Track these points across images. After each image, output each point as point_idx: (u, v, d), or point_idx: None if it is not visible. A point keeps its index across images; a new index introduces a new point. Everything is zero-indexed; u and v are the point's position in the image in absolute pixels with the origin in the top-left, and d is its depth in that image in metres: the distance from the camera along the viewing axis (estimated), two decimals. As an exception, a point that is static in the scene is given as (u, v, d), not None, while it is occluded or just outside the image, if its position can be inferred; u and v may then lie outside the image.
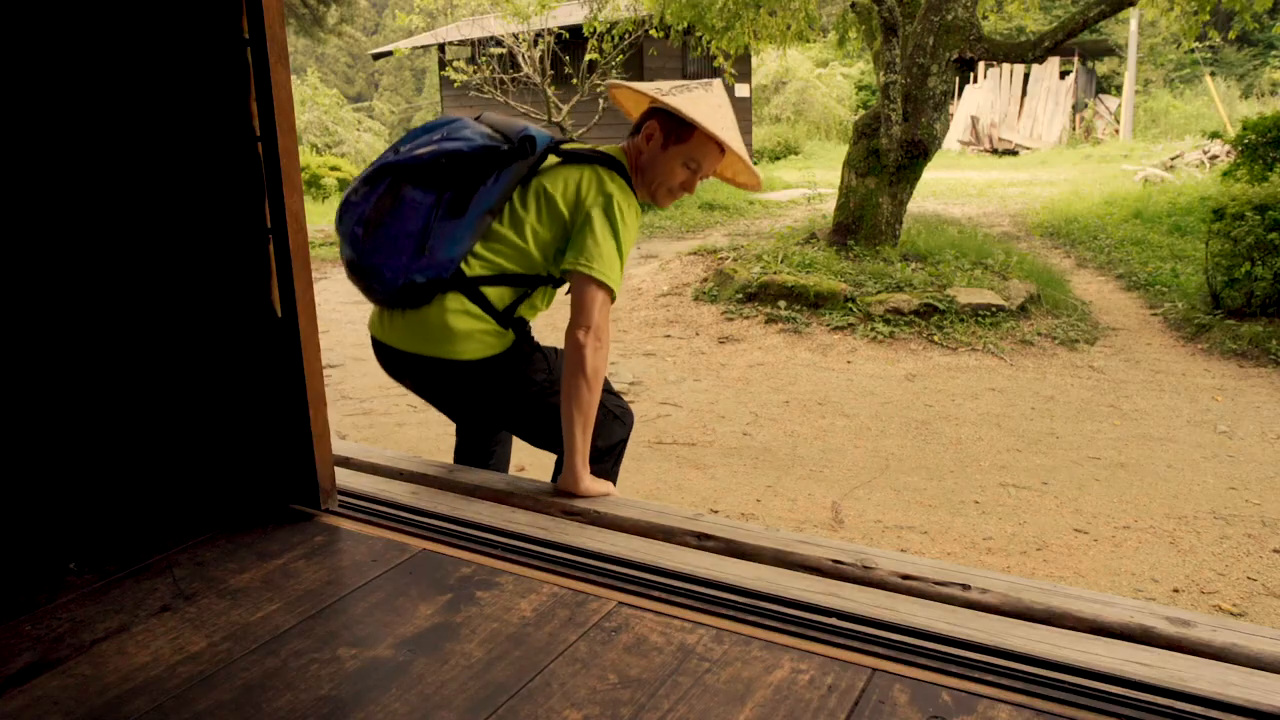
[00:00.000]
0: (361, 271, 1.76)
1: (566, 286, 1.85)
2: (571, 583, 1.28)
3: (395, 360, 1.87)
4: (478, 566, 1.34)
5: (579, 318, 1.75)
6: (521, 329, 1.90)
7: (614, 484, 2.09)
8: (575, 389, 1.74)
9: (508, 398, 1.92)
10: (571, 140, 1.96)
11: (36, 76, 1.54)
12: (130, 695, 1.05)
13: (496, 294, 1.83)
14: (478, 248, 1.82)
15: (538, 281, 1.87)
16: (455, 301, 1.80)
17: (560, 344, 1.91)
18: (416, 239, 1.74)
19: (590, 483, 1.80)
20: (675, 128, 1.85)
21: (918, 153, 6.85)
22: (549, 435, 2.00)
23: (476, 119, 1.89)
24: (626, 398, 3.92)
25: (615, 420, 2.01)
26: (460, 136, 1.79)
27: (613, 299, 1.78)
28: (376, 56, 18.55)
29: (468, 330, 1.81)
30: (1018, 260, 6.74)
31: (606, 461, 2.03)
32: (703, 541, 1.63)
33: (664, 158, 1.87)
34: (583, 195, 1.81)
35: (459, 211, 1.76)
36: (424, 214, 1.74)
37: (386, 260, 1.73)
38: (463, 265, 1.80)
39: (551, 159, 1.91)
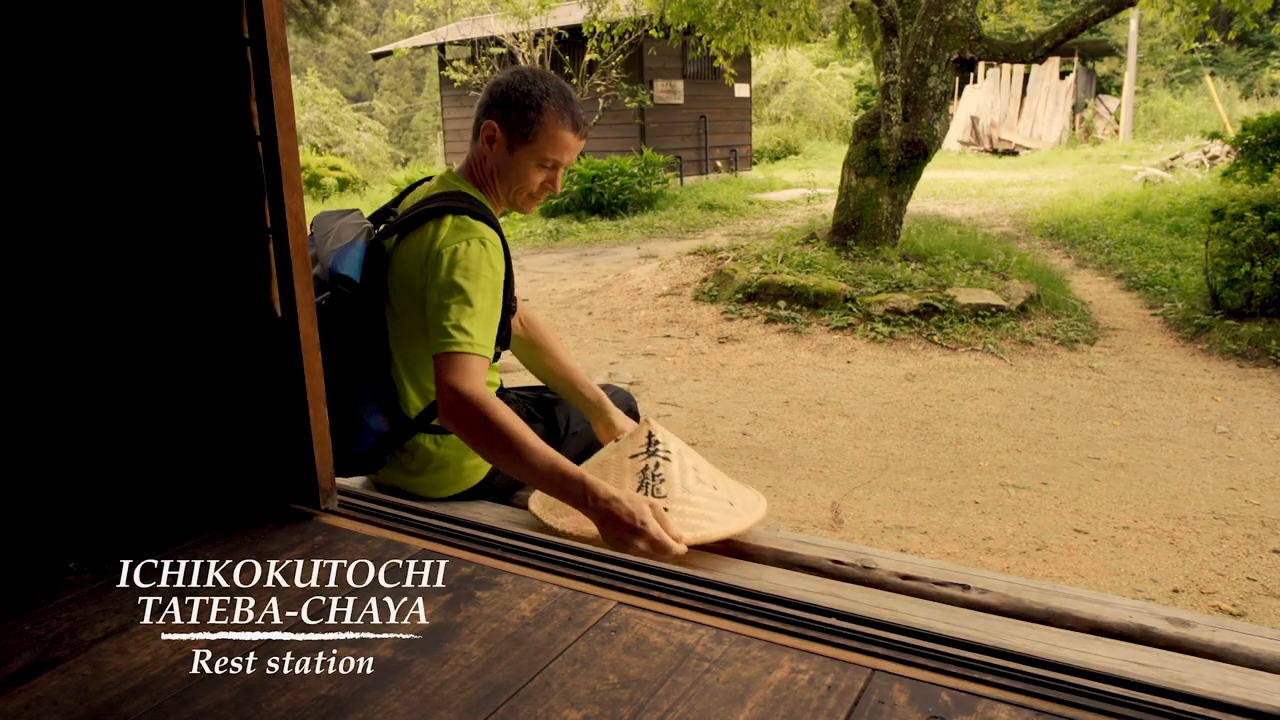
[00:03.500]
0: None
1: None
2: (571, 583, 1.28)
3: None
4: (477, 566, 1.34)
5: (445, 394, 1.49)
6: None
7: None
8: (496, 456, 1.50)
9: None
10: (395, 207, 1.76)
11: (35, 75, 1.54)
12: (130, 695, 1.05)
13: None
14: (408, 389, 1.67)
15: None
16: (429, 446, 1.69)
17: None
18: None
19: (600, 491, 1.47)
20: (518, 125, 1.62)
21: (918, 153, 6.85)
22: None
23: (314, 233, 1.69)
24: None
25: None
26: None
27: (491, 359, 1.55)
28: (376, 56, 18.54)
29: (460, 464, 1.71)
30: (1018, 260, 6.74)
31: None
32: (702, 541, 1.63)
33: (513, 162, 1.64)
34: (424, 264, 1.57)
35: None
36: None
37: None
38: (404, 411, 1.68)
39: (390, 240, 1.67)
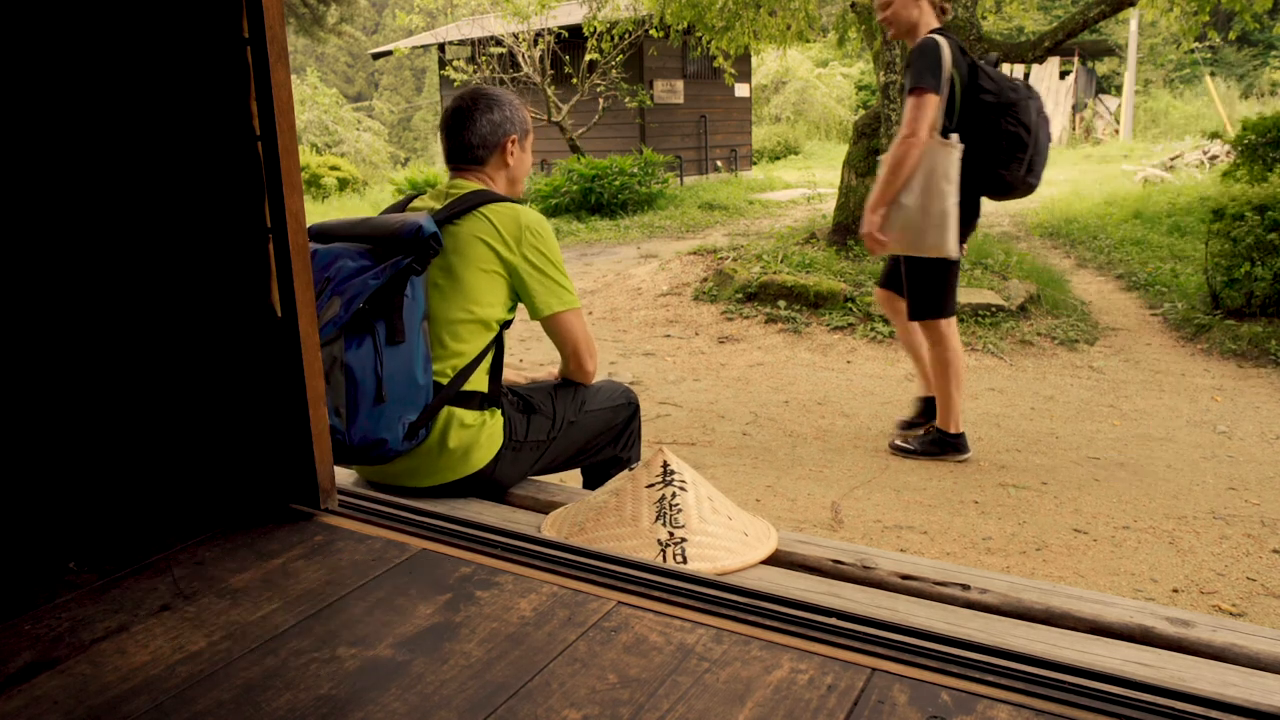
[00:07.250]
0: (361, 452, 1.72)
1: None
2: (571, 582, 1.28)
3: (410, 494, 1.81)
4: (477, 566, 1.34)
5: (577, 348, 1.93)
6: (503, 400, 1.89)
7: (638, 458, 2.15)
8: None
9: (539, 463, 1.95)
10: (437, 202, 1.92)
11: (35, 75, 1.54)
12: (130, 695, 1.05)
13: (475, 382, 1.82)
14: (436, 350, 1.78)
15: (497, 341, 1.86)
16: (450, 418, 1.78)
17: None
18: (384, 387, 1.69)
19: None
20: (523, 126, 2.03)
21: (918, 153, 6.84)
22: (591, 467, 2.09)
23: (337, 232, 1.81)
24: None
25: (615, 410, 2.04)
26: (350, 274, 1.69)
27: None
28: (376, 56, 18.54)
29: (470, 442, 1.79)
30: (1017, 260, 6.74)
31: (626, 437, 2.10)
32: (702, 541, 1.63)
33: (527, 155, 2.07)
34: (506, 241, 1.83)
35: (399, 338, 1.69)
36: (373, 366, 1.68)
37: (382, 429, 1.70)
38: (437, 379, 1.77)
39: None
